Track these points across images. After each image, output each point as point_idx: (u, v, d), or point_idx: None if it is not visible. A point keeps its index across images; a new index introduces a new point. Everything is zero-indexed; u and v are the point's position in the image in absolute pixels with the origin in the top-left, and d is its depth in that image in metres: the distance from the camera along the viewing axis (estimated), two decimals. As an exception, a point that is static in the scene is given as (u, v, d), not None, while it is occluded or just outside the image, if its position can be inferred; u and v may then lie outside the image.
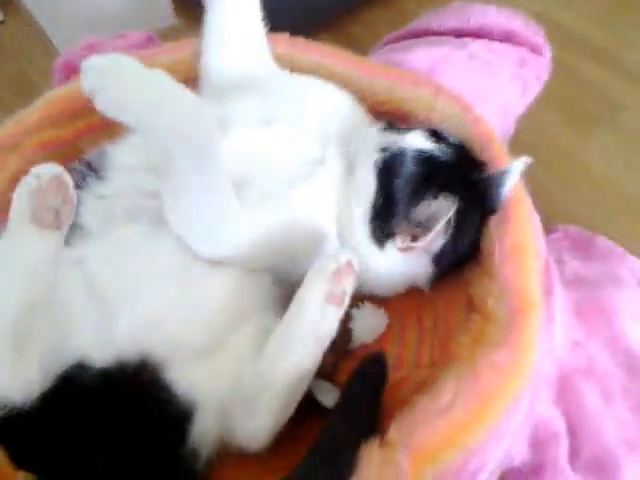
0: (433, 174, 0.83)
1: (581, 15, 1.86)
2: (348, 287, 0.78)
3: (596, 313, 0.94)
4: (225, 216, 0.80)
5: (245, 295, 0.84)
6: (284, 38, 1.14)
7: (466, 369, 0.74)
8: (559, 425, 0.86)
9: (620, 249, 1.05)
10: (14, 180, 0.95)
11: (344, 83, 1.05)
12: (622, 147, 1.51)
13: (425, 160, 0.83)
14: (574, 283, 0.94)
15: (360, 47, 1.77)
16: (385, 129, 0.89)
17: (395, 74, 1.09)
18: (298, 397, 0.78)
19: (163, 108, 0.70)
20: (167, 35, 1.82)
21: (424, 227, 0.81)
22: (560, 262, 0.94)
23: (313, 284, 0.78)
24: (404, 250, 0.84)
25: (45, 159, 0.99)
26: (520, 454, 0.84)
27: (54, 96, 1.04)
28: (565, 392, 0.88)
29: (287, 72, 1.04)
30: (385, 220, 0.84)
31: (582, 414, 0.87)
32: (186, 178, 0.74)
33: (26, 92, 1.77)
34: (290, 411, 0.77)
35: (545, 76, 1.25)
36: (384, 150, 0.85)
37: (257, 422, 0.76)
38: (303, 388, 0.78)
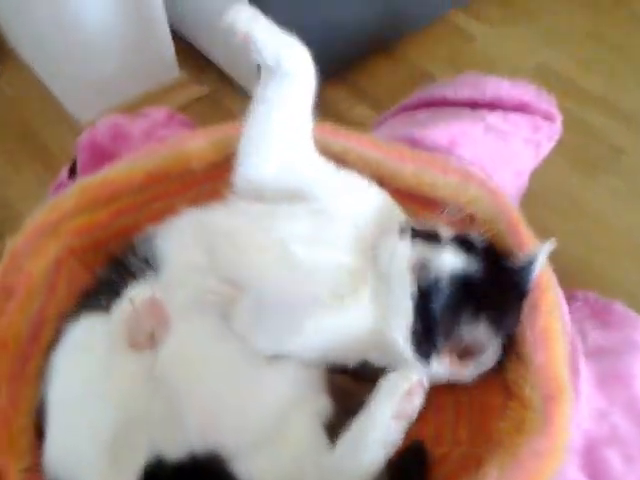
0: (470, 293, 0.86)
1: (580, 64, 1.93)
2: (418, 403, 0.82)
3: (616, 380, 0.99)
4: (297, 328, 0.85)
5: (301, 384, 0.88)
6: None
7: (509, 458, 0.79)
8: None
9: (634, 314, 1.11)
10: (53, 265, 1.02)
11: (372, 168, 1.09)
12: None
13: (460, 282, 0.86)
14: (595, 354, 0.99)
15: (366, 97, 1.85)
16: (413, 237, 0.90)
17: (424, 159, 1.11)
18: None
19: None
20: (173, 87, 1.88)
21: (469, 347, 0.86)
22: (582, 333, 0.99)
23: (385, 401, 0.81)
24: (453, 366, 0.88)
25: (82, 244, 1.07)
26: None
27: (90, 183, 1.08)
28: (591, 459, 0.94)
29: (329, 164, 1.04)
30: (427, 340, 0.86)
31: (607, 478, 0.93)
32: None
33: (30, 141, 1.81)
34: None
35: (556, 137, 1.31)
36: (419, 268, 0.87)
37: None
38: None
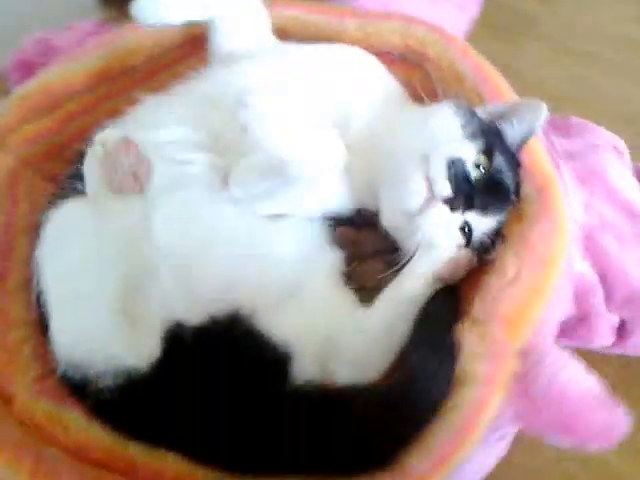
0: None
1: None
2: (461, 273, 0.84)
3: (591, 175, 1.05)
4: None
5: (308, 239, 0.87)
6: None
7: (520, 244, 0.82)
8: (592, 276, 0.98)
9: (590, 123, 1.16)
10: (8, 178, 0.96)
11: (314, 32, 1.08)
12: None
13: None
14: (565, 157, 1.04)
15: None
16: None
17: (364, 14, 1.12)
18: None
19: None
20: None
21: None
22: (551, 143, 1.03)
23: (425, 265, 0.83)
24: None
25: (35, 152, 1.02)
26: (566, 312, 0.93)
27: (27, 91, 1.03)
28: (589, 247, 0.99)
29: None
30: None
31: (607, 262, 0.99)
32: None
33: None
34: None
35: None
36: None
37: (363, 375, 0.79)
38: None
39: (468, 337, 0.75)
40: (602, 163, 1.07)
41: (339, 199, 0.89)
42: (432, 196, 0.80)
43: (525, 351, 0.75)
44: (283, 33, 1.07)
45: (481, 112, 0.89)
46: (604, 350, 1.02)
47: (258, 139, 0.76)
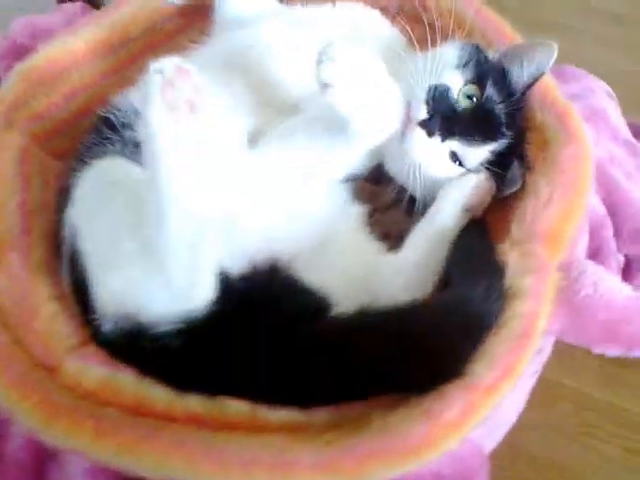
0: None
1: None
2: (486, 199, 0.86)
3: (594, 116, 1.09)
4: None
5: (336, 196, 0.90)
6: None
7: (550, 169, 0.84)
8: (603, 210, 1.00)
9: (582, 71, 1.20)
10: (19, 155, 0.94)
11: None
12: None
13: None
14: (571, 99, 1.07)
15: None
16: None
17: None
18: None
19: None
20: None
21: None
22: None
23: (455, 195, 0.86)
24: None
25: (43, 128, 1.00)
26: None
27: (30, 66, 1.00)
28: (600, 180, 1.01)
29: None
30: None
31: (617, 195, 1.02)
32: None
33: None
34: None
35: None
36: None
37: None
38: None
39: (510, 255, 0.77)
40: (602, 104, 1.11)
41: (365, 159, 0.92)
42: (409, 120, 0.83)
43: (565, 266, 0.77)
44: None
45: (491, 53, 0.92)
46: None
47: (341, 96, 0.76)
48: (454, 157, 0.87)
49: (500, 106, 0.87)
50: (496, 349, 0.69)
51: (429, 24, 1.02)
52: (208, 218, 0.70)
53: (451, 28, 0.98)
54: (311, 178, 0.88)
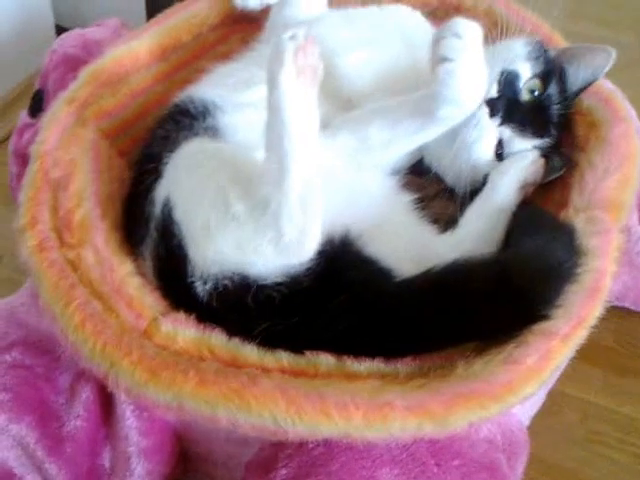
0: None
1: None
2: (540, 173, 0.91)
3: None
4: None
5: (389, 184, 0.95)
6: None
7: (604, 145, 0.91)
8: None
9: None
10: (91, 148, 0.99)
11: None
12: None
13: None
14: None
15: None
16: None
17: None
18: None
19: None
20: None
21: None
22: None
23: (511, 172, 0.90)
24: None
25: (111, 125, 1.05)
26: None
27: (98, 67, 1.06)
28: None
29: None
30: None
31: None
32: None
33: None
34: None
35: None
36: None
37: None
38: None
39: (576, 220, 0.82)
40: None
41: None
42: None
43: (626, 230, 0.82)
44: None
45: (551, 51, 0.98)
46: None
47: (459, 68, 0.82)
48: (499, 146, 0.92)
49: (556, 106, 0.93)
50: (572, 300, 0.74)
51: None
52: (316, 176, 0.75)
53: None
54: (370, 164, 0.93)
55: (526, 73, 0.92)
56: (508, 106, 0.89)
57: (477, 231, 0.88)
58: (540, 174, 0.91)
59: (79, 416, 0.82)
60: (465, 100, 0.84)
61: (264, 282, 0.75)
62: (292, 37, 0.72)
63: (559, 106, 0.94)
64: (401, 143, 0.92)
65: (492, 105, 0.88)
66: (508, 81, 0.90)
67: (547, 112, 0.93)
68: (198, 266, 0.78)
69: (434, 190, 0.99)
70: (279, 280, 0.75)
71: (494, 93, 0.89)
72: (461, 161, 0.92)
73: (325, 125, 0.92)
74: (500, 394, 0.68)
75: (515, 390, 0.69)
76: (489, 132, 0.90)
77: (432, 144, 0.95)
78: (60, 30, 1.75)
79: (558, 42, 1.07)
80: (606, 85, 0.99)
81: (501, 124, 0.90)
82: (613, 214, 0.82)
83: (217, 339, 0.76)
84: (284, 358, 0.74)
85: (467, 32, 0.82)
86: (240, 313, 0.77)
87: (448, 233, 0.90)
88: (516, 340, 0.72)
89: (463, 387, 0.69)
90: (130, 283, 0.82)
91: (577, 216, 0.83)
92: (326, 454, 0.72)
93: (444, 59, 0.82)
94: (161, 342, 0.76)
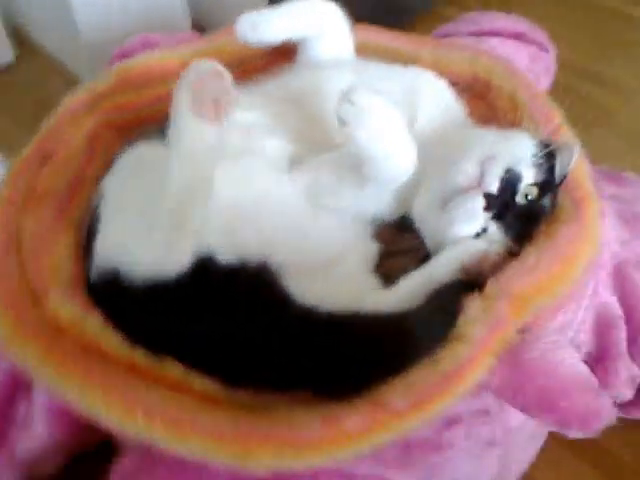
0: None
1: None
2: (486, 272, 0.85)
3: (634, 220, 1.05)
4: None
5: (353, 229, 0.94)
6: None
7: (544, 241, 0.85)
8: (618, 311, 0.96)
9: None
10: (92, 135, 1.06)
11: (391, 57, 1.15)
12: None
13: None
14: (612, 199, 1.05)
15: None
16: None
17: (441, 43, 1.22)
18: None
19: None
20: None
21: None
22: (599, 188, 1.05)
23: (454, 254, 0.86)
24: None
25: (123, 118, 1.12)
26: (585, 344, 0.94)
27: (127, 66, 1.15)
28: (619, 280, 0.98)
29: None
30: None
31: (636, 299, 0.96)
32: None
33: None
34: None
35: (552, 70, 1.39)
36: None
37: None
38: None
39: (473, 304, 0.77)
40: (647, 212, 1.07)
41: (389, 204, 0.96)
42: (478, 185, 0.85)
43: (525, 328, 0.76)
44: (363, 54, 1.16)
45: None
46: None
47: (354, 135, 0.83)
48: (482, 231, 0.88)
49: (543, 216, 0.90)
50: (417, 377, 0.70)
51: (489, 103, 1.07)
52: (202, 198, 0.79)
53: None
54: (327, 206, 0.93)
55: (528, 178, 0.88)
56: (503, 205, 0.86)
57: (404, 294, 0.85)
58: (488, 265, 0.86)
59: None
60: (375, 165, 0.85)
61: (139, 282, 0.78)
62: (196, 66, 0.77)
63: (545, 216, 0.90)
64: (347, 193, 0.92)
65: (489, 201, 0.85)
66: (510, 181, 0.86)
67: (535, 220, 0.89)
68: (95, 252, 0.84)
69: (408, 245, 0.96)
70: (154, 284, 0.77)
71: (494, 189, 0.85)
72: (442, 229, 0.90)
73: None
74: (302, 446, 0.66)
75: (322, 448, 0.66)
76: (478, 220, 0.87)
77: (423, 201, 0.93)
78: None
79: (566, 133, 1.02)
80: (587, 186, 0.92)
81: (492, 219, 0.87)
82: (516, 310, 0.76)
83: (92, 322, 0.79)
84: (139, 355, 0.76)
85: (361, 99, 0.82)
86: (114, 304, 0.81)
87: (382, 290, 0.88)
88: (345, 400, 0.69)
89: (274, 429, 0.68)
90: (56, 252, 0.89)
91: (479, 300, 0.78)
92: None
93: (342, 121, 0.83)
94: (48, 313, 0.80)
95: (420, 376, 0.70)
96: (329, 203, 0.93)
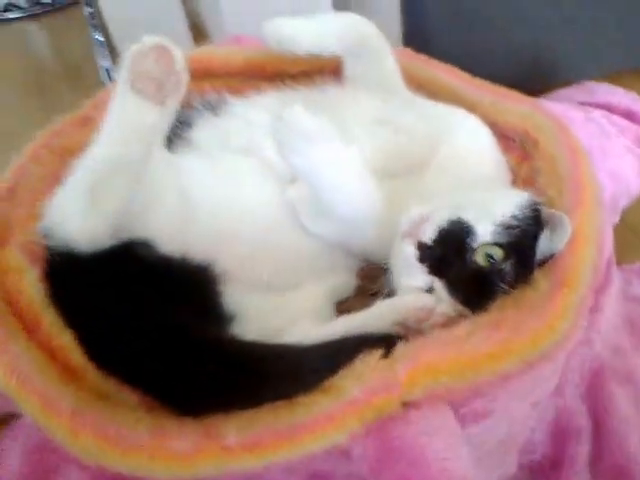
0: None
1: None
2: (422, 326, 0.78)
3: None
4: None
5: (330, 258, 0.91)
6: (407, 52, 1.21)
7: (488, 318, 0.74)
8: (583, 422, 0.83)
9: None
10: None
11: (454, 97, 1.09)
12: None
13: None
14: (632, 301, 0.91)
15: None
16: None
17: (503, 93, 1.11)
18: None
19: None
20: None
21: None
22: (628, 283, 0.91)
23: (388, 307, 0.79)
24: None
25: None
26: (542, 444, 0.83)
27: (194, 55, 1.14)
28: (595, 390, 0.85)
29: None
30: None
31: (610, 417, 0.82)
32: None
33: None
34: None
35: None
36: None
37: None
38: None
39: (367, 361, 0.70)
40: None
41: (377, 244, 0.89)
42: (410, 229, 0.79)
43: (416, 405, 0.67)
44: (418, 87, 1.10)
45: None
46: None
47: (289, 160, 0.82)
48: (430, 289, 0.79)
49: (504, 287, 0.77)
50: (260, 418, 0.65)
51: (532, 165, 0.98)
52: (124, 180, 0.76)
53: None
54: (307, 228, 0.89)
55: (485, 234, 0.77)
56: (440, 259, 0.77)
57: (333, 335, 0.79)
58: (429, 325, 0.77)
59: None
60: (318, 191, 0.82)
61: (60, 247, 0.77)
62: (139, 43, 0.73)
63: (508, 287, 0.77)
64: (322, 222, 0.88)
65: (423, 251, 0.78)
66: (454, 234, 0.77)
67: (489, 287, 0.77)
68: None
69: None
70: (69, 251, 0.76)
71: (426, 239, 0.77)
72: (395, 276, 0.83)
73: None
74: (127, 448, 0.64)
75: (141, 455, 0.64)
76: (414, 272, 0.78)
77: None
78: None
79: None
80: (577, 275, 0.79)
81: (431, 274, 0.78)
82: (413, 379, 0.67)
83: (29, 277, 0.80)
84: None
85: (293, 121, 0.78)
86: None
87: (320, 325, 0.84)
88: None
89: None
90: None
91: (379, 358, 0.70)
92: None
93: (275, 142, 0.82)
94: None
95: (264, 418, 0.65)
96: (307, 225, 0.89)
